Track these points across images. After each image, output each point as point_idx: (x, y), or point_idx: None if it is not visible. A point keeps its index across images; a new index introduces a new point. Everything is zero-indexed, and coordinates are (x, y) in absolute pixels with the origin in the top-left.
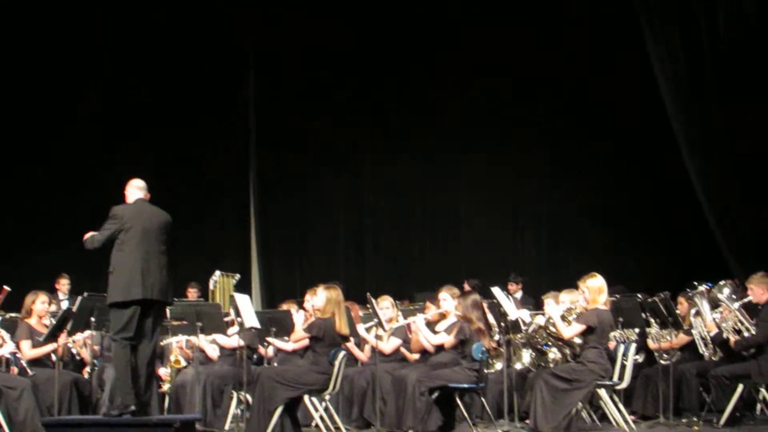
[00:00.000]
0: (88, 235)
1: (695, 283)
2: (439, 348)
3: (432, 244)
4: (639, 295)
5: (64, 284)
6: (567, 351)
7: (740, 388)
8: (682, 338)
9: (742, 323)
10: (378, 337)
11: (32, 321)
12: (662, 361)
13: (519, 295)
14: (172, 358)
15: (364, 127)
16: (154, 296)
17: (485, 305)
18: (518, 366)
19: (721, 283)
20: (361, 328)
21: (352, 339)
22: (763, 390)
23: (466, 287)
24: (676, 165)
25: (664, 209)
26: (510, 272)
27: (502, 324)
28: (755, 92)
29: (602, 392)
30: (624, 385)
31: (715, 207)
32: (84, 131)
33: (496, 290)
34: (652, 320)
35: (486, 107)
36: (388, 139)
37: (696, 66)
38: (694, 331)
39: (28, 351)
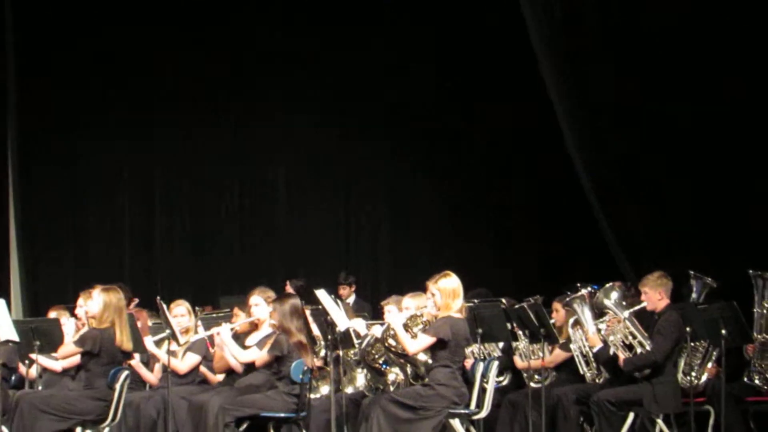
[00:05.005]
0: None
1: (578, 285)
2: (250, 367)
3: (242, 234)
4: (503, 301)
5: None
6: (411, 371)
7: (630, 417)
8: (557, 355)
9: (634, 336)
10: (171, 353)
11: None
12: (532, 384)
13: (352, 299)
14: None
15: (153, 90)
16: None
17: (308, 312)
18: (350, 390)
19: (608, 285)
20: (149, 341)
21: (137, 355)
22: (659, 422)
23: (288, 289)
24: (556, 145)
25: (538, 196)
26: (341, 270)
27: (330, 336)
28: (649, 76)
29: (455, 423)
30: (483, 414)
31: (603, 197)
32: None
33: (321, 294)
34: (519, 332)
35: (311, 62)
36: (182, 100)
37: (581, 39)
38: (572, 346)
39: None
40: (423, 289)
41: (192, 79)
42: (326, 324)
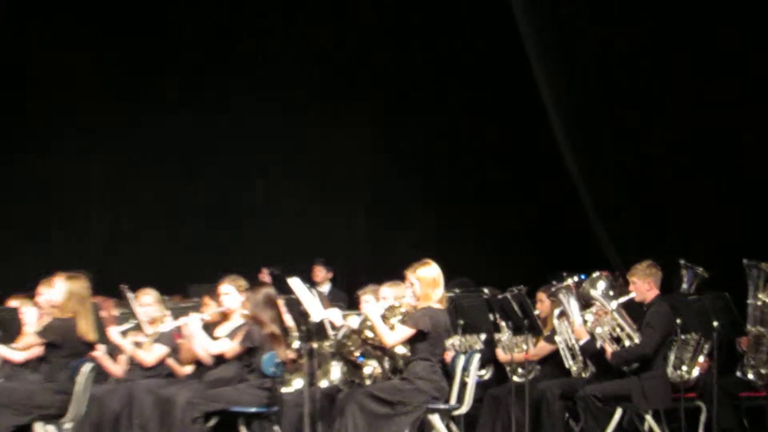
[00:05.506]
0: None
1: (564, 274)
2: (219, 359)
3: (214, 218)
4: (486, 290)
5: None
6: (389, 364)
7: (618, 413)
8: (542, 348)
9: (622, 328)
10: (137, 344)
11: None
12: (516, 378)
13: (327, 288)
14: None
15: (124, 70)
16: None
17: (281, 302)
18: (324, 384)
19: (595, 275)
20: (114, 331)
21: (101, 346)
22: (648, 418)
23: (264, 277)
24: (539, 125)
25: (522, 181)
26: (316, 257)
27: (304, 327)
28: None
29: (435, 418)
30: (464, 409)
31: (590, 183)
32: None
33: (294, 282)
34: (502, 323)
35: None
36: (152, 75)
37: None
38: (557, 338)
39: None
40: (401, 278)
41: (161, 67)
42: (300, 314)
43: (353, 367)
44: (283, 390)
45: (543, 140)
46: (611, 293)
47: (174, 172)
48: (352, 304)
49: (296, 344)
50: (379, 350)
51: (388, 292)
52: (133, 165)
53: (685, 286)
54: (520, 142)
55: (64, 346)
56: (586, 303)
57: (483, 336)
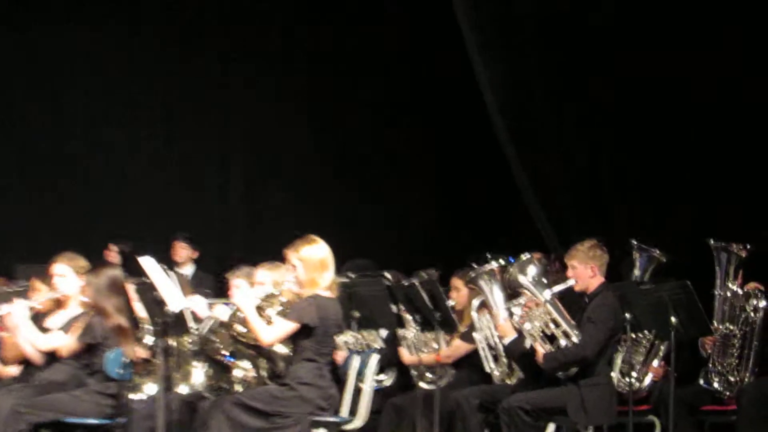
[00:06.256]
0: None
1: (487, 255)
2: (52, 357)
3: (44, 180)
4: (388, 275)
5: None
6: (266, 365)
7: (551, 429)
8: (457, 347)
9: (557, 324)
10: None
11: None
12: (423, 385)
13: (190, 270)
14: None
15: None
16: None
17: (131, 288)
18: (184, 389)
19: (525, 257)
20: None
21: None
22: None
23: (110, 255)
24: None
25: (438, 144)
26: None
27: (158, 319)
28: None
29: None
30: (359, 423)
31: (521, 144)
32: None
33: (147, 262)
34: (408, 317)
35: None
36: None
37: None
38: (476, 336)
39: None
40: (282, 259)
41: None
42: (154, 302)
43: (220, 370)
44: (132, 397)
45: (465, 99)
46: (545, 280)
47: None
48: (220, 290)
49: (149, 340)
50: (254, 349)
51: (266, 275)
52: None
53: (637, 272)
54: (438, 103)
55: None
56: (513, 292)
57: (383, 332)
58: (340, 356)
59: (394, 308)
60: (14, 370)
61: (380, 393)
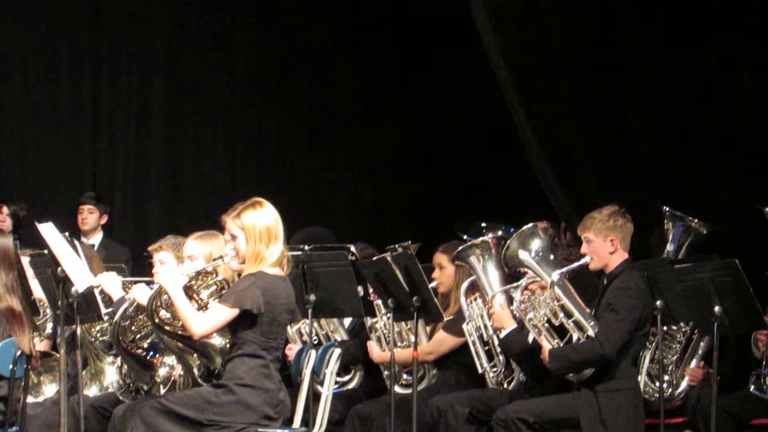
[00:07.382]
0: None
1: (481, 225)
2: None
3: None
4: (353, 248)
5: None
6: (197, 362)
7: None
8: (441, 341)
9: (568, 313)
10: None
11: None
12: (398, 388)
13: (98, 238)
14: None
15: None
16: None
17: (26, 261)
18: (93, 391)
19: (528, 227)
20: None
21: None
22: None
23: None
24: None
25: (423, 89)
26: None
27: (62, 302)
28: None
29: None
30: None
31: (525, 90)
32: None
33: (47, 229)
34: (378, 301)
35: None
36: None
37: None
38: (466, 327)
39: None
40: (218, 227)
41: None
42: (56, 281)
43: (140, 367)
44: (28, 400)
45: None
46: (552, 257)
47: None
48: (139, 266)
49: (48, 328)
50: (182, 341)
51: (198, 248)
52: None
53: (670, 247)
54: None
55: None
56: (512, 272)
57: (347, 321)
58: (291, 351)
59: (360, 290)
60: None
61: (343, 398)
